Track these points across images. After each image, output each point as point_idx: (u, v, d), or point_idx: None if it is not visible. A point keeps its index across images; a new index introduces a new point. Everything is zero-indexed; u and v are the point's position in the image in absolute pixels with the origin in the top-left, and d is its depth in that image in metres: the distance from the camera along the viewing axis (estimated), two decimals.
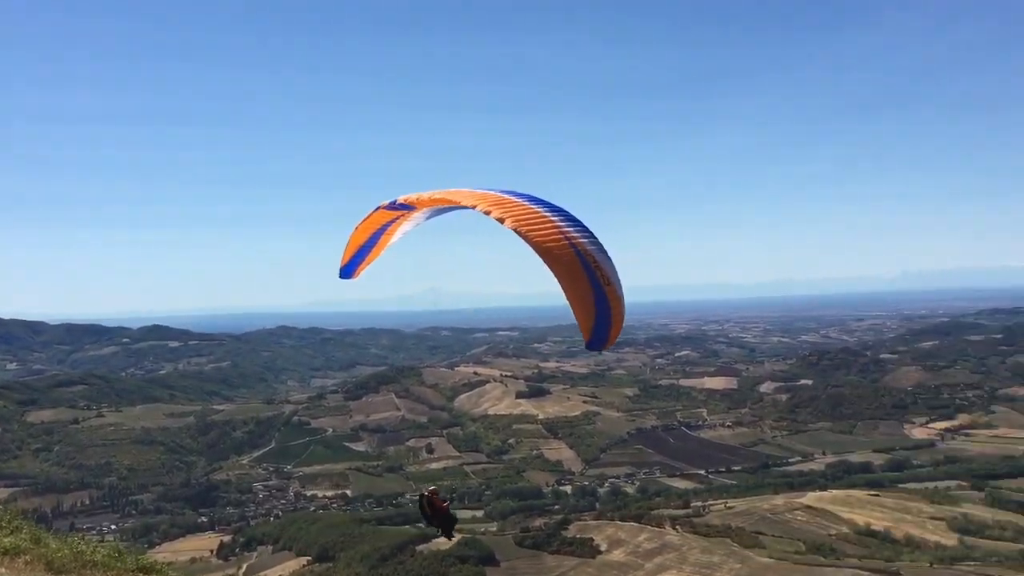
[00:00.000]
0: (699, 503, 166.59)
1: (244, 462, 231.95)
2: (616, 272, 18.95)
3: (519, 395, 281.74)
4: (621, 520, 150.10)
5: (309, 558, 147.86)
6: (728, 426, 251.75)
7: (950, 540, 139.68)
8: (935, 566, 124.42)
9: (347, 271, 22.54)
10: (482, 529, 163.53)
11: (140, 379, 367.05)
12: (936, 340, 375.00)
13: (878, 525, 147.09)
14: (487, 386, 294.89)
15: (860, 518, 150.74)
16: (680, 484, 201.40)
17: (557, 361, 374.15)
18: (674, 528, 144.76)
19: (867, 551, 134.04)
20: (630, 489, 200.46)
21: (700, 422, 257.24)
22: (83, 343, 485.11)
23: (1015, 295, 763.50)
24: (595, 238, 19.06)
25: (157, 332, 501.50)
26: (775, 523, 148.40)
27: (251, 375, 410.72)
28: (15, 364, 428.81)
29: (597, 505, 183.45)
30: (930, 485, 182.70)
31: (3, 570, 16.83)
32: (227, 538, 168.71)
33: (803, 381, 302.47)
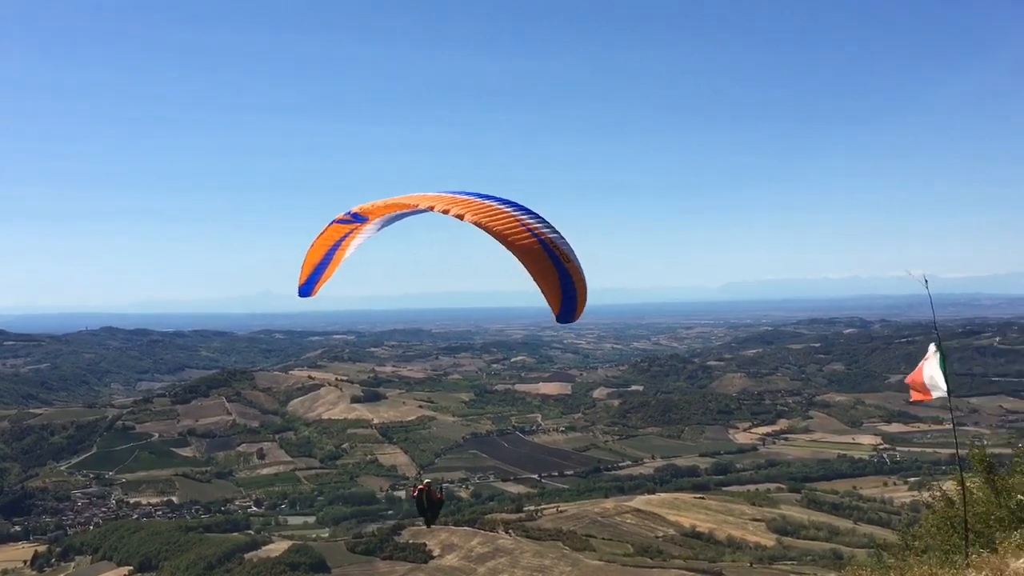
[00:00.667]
0: (532, 507, 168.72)
1: (62, 468, 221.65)
2: (573, 251, 19.68)
3: (354, 400, 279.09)
4: (455, 525, 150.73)
5: (131, 568, 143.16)
6: (561, 431, 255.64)
7: (769, 540, 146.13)
8: (755, 566, 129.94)
9: (305, 290, 22.50)
10: (314, 535, 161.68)
11: None
12: (759, 348, 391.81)
13: (703, 527, 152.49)
14: (322, 390, 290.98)
15: (686, 520, 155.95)
16: (514, 489, 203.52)
17: (393, 366, 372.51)
18: (507, 532, 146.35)
19: (692, 552, 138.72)
20: (464, 494, 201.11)
21: (534, 427, 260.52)
22: None
23: (832, 306, 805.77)
24: (548, 223, 19.84)
25: None
26: (605, 526, 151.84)
27: (72, 378, 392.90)
28: None
29: None
30: (752, 488, 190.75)
31: None
32: (42, 548, 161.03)
33: (634, 387, 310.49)
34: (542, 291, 19.68)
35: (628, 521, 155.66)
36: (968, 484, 20.04)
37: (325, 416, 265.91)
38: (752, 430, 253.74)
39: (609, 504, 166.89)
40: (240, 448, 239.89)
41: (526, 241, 19.14)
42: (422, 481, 26.85)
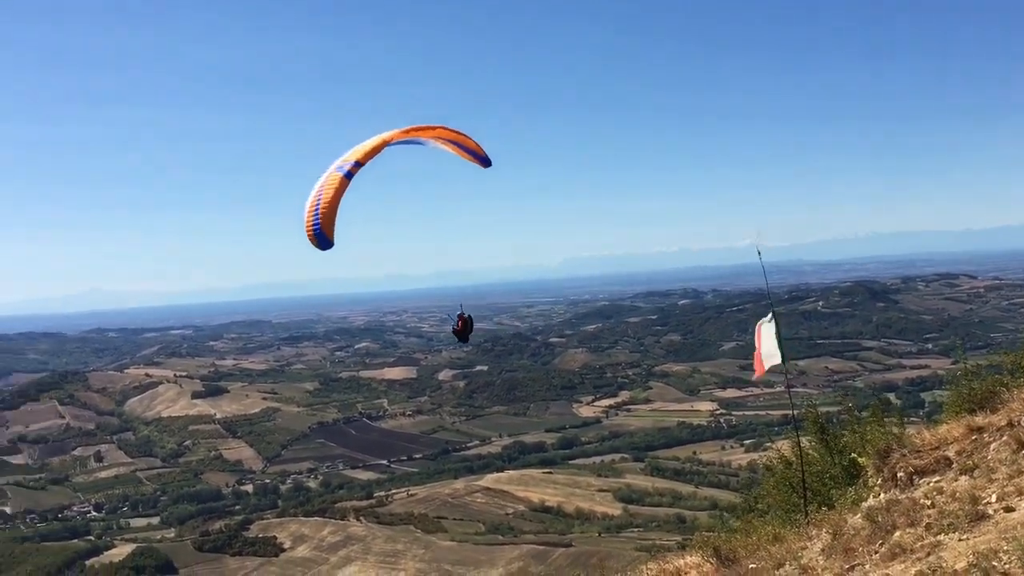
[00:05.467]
0: (382, 493, 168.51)
1: None
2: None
3: (195, 395, 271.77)
4: (305, 516, 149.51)
5: None
6: (409, 415, 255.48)
7: (616, 510, 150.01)
8: (603, 535, 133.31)
9: (329, 242, 22.68)
10: (159, 536, 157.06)
11: None
12: (599, 323, 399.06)
13: (552, 501, 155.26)
14: (160, 387, 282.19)
15: (535, 496, 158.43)
16: (363, 475, 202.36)
17: (234, 358, 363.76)
18: (358, 520, 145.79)
19: (542, 526, 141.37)
20: (313, 484, 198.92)
21: (381, 413, 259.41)
22: None
23: (666, 278, 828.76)
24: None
25: None
26: (456, 507, 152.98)
27: None
28: None
29: (279, 503, 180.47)
30: (597, 460, 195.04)
31: None
32: None
33: (479, 367, 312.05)
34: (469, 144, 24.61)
35: (478, 500, 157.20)
36: (803, 444, 21.03)
37: (165, 414, 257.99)
38: (595, 403, 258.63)
39: (459, 485, 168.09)
40: (76, 452, 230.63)
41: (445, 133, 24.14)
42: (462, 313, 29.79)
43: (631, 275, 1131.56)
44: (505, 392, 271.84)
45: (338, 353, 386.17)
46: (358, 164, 22.77)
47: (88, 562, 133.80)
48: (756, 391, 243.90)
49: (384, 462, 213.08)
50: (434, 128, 24.19)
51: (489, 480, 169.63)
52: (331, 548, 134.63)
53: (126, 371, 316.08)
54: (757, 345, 20.36)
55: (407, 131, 23.65)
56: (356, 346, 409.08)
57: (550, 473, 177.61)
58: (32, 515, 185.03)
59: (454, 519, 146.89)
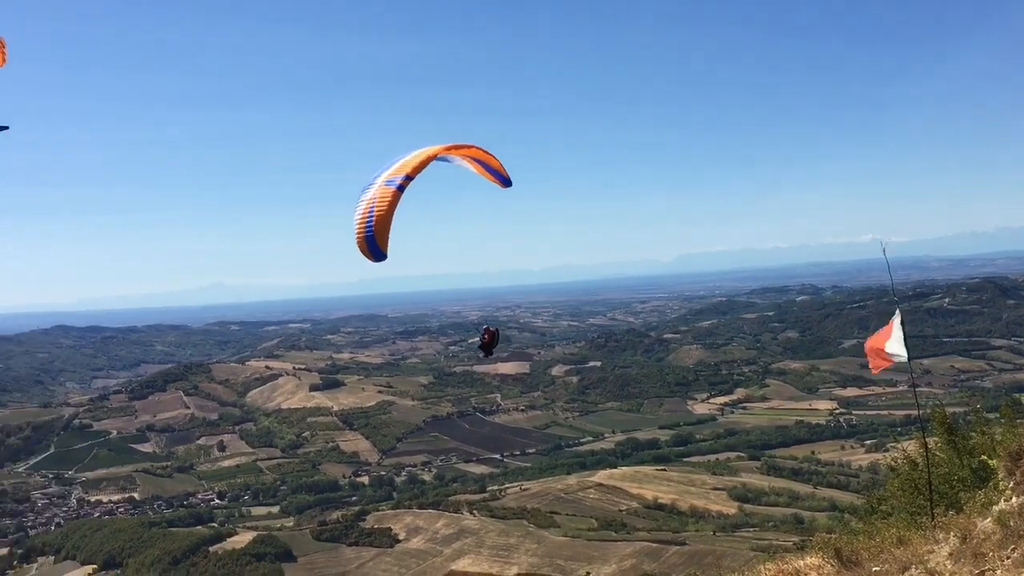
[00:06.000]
0: (495, 487, 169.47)
1: (20, 470, 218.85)
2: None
3: (313, 388, 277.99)
4: (419, 508, 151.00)
5: (95, 566, 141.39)
6: (521, 410, 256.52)
7: (731, 509, 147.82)
8: (718, 534, 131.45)
9: (383, 254, 23.74)
10: (278, 525, 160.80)
11: None
12: (714, 319, 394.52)
13: (665, 498, 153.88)
14: (280, 380, 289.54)
15: (648, 492, 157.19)
16: (476, 469, 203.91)
17: (351, 352, 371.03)
18: (471, 513, 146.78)
19: (655, 524, 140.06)
20: (427, 477, 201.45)
21: (494, 407, 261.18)
22: None
23: (783, 275, 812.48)
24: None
25: None
26: (568, 502, 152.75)
27: (25, 378, 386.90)
28: None
29: (394, 495, 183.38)
30: (712, 458, 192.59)
31: None
32: (4, 551, 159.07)
33: (592, 363, 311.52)
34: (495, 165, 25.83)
35: (591, 496, 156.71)
36: (930, 445, 20.37)
37: (284, 406, 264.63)
38: (710, 400, 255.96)
39: (572, 480, 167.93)
40: (200, 441, 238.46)
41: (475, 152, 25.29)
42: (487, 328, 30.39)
43: (747, 271, 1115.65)
44: (618, 388, 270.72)
45: (452, 347, 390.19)
46: (408, 178, 23.59)
47: (212, 548, 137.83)
48: (877, 389, 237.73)
49: (497, 456, 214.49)
50: (469, 147, 25.26)
51: (602, 476, 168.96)
52: (445, 540, 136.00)
53: (247, 363, 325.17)
54: (879, 340, 19.73)
55: (448, 148, 24.85)
56: (470, 340, 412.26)
57: (664, 470, 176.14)
58: (159, 501, 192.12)
59: (567, 514, 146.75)
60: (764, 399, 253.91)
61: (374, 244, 23.38)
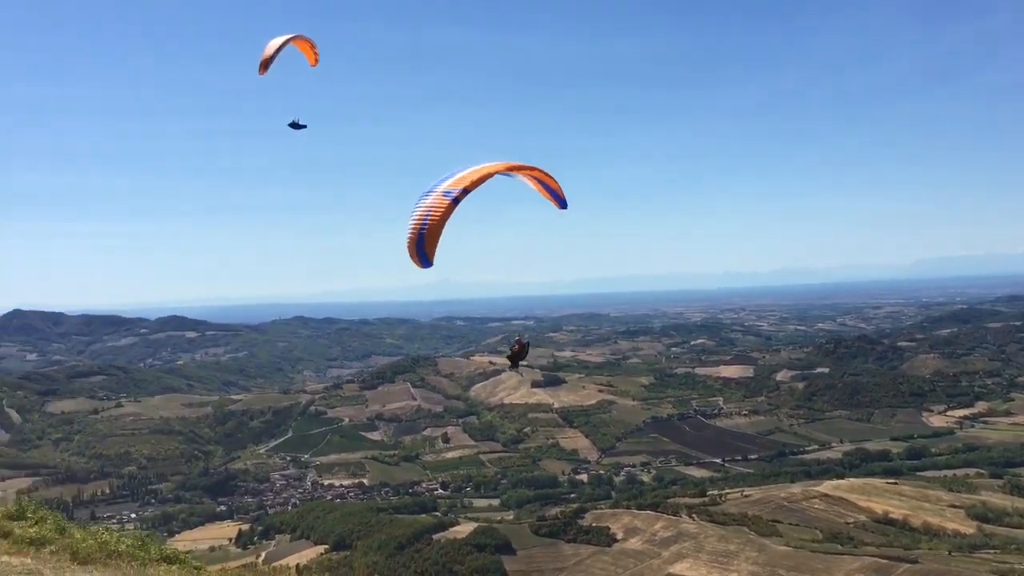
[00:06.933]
0: (715, 491, 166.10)
1: (261, 451, 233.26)
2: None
3: (534, 384, 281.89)
4: (637, 509, 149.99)
5: (326, 546, 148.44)
6: (744, 414, 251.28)
7: (969, 528, 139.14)
8: (954, 554, 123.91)
9: (430, 262, 25.30)
10: (498, 518, 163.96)
11: (158, 369, 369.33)
12: (954, 327, 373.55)
13: (896, 513, 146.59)
14: (502, 375, 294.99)
15: (878, 506, 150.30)
16: (696, 472, 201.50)
17: (572, 350, 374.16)
18: (690, 517, 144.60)
19: (885, 539, 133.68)
20: (646, 478, 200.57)
21: (716, 410, 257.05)
22: (101, 334, 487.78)
23: None
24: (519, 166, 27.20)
25: (174, 323, 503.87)
26: (792, 511, 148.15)
27: (268, 365, 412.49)
28: (35, 355, 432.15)
29: (613, 494, 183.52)
30: (948, 473, 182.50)
31: (29, 560, 16.92)
32: (245, 527, 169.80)
33: (820, 369, 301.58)
34: (554, 184, 27.63)
35: (816, 506, 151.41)
36: None
37: (506, 401, 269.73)
38: (948, 413, 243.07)
39: (796, 489, 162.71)
40: (425, 432, 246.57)
41: (534, 171, 27.16)
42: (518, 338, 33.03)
43: (991, 277, 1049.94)
44: (847, 396, 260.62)
45: (674, 349, 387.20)
46: (465, 191, 24.65)
47: (435, 536, 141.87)
48: None
49: (718, 460, 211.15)
50: (532, 168, 26.94)
51: (828, 486, 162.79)
52: (663, 543, 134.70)
53: (472, 358, 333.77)
54: None
55: (510, 166, 26.22)
56: (692, 342, 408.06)
57: (895, 484, 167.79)
58: (386, 488, 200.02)
59: (789, 523, 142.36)
60: (1009, 414, 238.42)
61: (423, 251, 24.64)
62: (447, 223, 24.75)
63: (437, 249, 24.91)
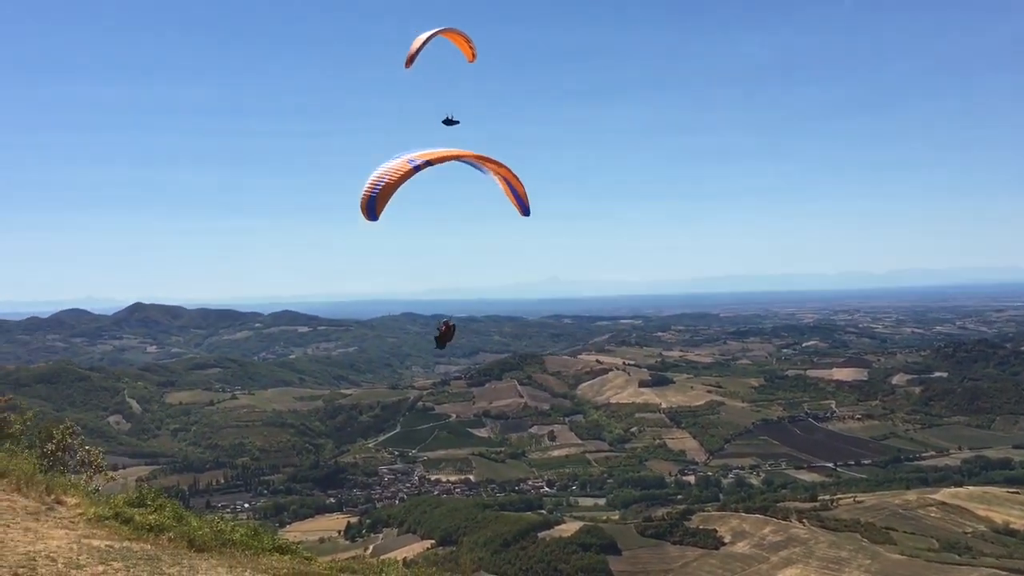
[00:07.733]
0: (827, 496, 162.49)
1: (370, 445, 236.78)
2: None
3: (642, 384, 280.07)
4: (745, 512, 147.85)
5: (433, 541, 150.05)
6: (858, 418, 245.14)
7: None
8: None
9: (376, 216, 25.89)
10: (604, 517, 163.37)
11: (271, 363, 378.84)
12: None
13: (1018, 524, 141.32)
14: (609, 374, 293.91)
15: (998, 516, 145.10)
16: (807, 477, 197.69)
17: (681, 350, 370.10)
18: (800, 521, 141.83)
19: (1005, 550, 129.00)
20: (755, 481, 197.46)
21: (828, 414, 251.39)
22: (218, 327, 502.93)
23: None
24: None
25: (287, 317, 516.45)
26: (907, 519, 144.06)
27: (377, 360, 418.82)
28: (155, 347, 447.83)
29: (721, 496, 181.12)
30: None
31: (148, 546, 17.40)
32: (354, 519, 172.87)
33: (938, 373, 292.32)
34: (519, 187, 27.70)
35: (932, 515, 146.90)
36: None
37: (613, 400, 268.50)
38: None
39: (911, 496, 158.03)
40: (532, 430, 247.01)
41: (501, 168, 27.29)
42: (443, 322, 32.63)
43: None
44: (967, 402, 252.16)
45: (785, 350, 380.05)
46: (428, 163, 25.43)
47: (540, 534, 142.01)
48: None
49: (830, 465, 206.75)
50: (501, 166, 27.02)
51: (945, 494, 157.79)
52: (772, 548, 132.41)
53: (579, 356, 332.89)
54: None
55: (479, 156, 26.70)
56: (804, 344, 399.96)
57: (1016, 493, 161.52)
58: (492, 484, 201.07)
59: (904, 531, 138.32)
60: None
61: (372, 205, 25.26)
62: (402, 186, 25.64)
63: (386, 208, 25.63)
